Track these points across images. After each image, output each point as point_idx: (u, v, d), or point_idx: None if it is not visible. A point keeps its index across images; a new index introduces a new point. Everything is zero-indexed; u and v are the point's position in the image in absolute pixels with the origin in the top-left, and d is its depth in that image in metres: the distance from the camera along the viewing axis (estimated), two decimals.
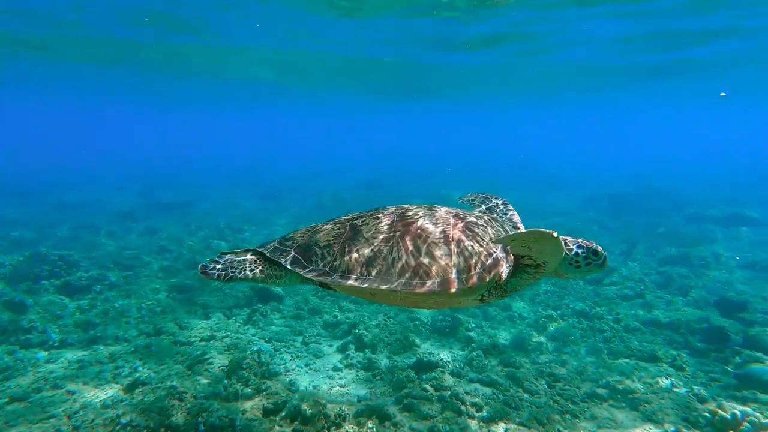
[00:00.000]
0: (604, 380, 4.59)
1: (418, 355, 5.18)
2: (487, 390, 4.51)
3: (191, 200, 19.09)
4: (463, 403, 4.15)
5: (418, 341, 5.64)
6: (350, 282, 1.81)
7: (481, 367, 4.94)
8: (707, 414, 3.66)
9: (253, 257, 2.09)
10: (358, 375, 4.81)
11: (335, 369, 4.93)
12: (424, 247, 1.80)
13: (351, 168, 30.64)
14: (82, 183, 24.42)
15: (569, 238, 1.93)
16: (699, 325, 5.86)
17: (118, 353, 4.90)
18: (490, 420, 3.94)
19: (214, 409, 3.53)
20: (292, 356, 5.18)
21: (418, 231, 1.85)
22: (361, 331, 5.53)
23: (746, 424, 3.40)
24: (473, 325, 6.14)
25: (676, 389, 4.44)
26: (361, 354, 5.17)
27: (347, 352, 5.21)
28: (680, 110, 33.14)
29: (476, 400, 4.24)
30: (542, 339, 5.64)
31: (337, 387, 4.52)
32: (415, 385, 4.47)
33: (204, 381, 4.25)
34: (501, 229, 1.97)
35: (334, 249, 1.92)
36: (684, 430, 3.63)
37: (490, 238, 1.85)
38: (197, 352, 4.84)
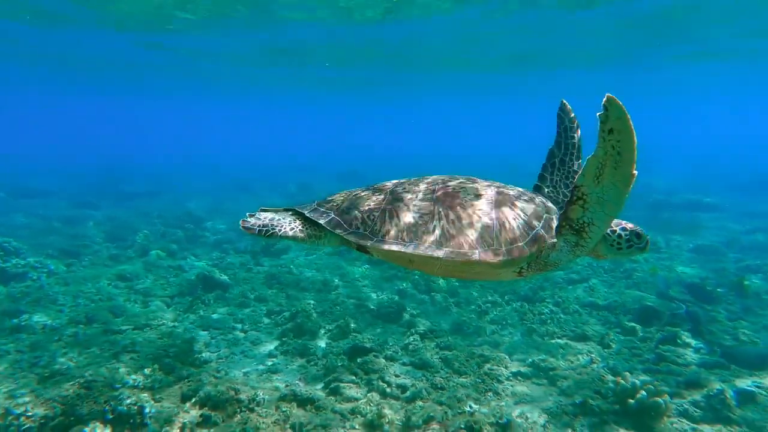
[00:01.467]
0: (530, 359, 4.73)
1: (357, 341, 5.21)
2: (418, 372, 4.59)
3: (159, 190, 18.71)
4: (389, 385, 4.21)
5: (360, 327, 5.66)
6: (390, 246, 1.83)
7: (417, 350, 5.00)
8: (612, 385, 3.82)
9: (293, 217, 2.12)
10: (292, 361, 4.80)
11: (270, 355, 4.91)
12: (467, 216, 1.82)
13: (327, 160, 30.39)
14: (51, 171, 23.58)
15: (613, 221, 1.88)
16: (633, 306, 6.10)
17: (41, 342, 4.73)
18: (412, 400, 4.01)
19: (124, 397, 3.44)
20: (228, 343, 5.12)
21: (461, 201, 1.86)
22: (302, 319, 5.50)
23: (642, 392, 3.57)
24: (418, 311, 6.21)
25: (594, 364, 4.62)
26: (299, 341, 5.16)
27: (284, 338, 5.18)
28: (651, 102, 33.95)
29: (404, 381, 4.30)
30: (482, 323, 5.75)
31: (268, 373, 4.50)
32: (346, 369, 4.50)
33: (124, 370, 4.15)
34: (542, 205, 1.92)
35: (375, 214, 1.94)
36: (590, 400, 3.78)
37: (532, 212, 1.86)
38: (126, 341, 4.71)
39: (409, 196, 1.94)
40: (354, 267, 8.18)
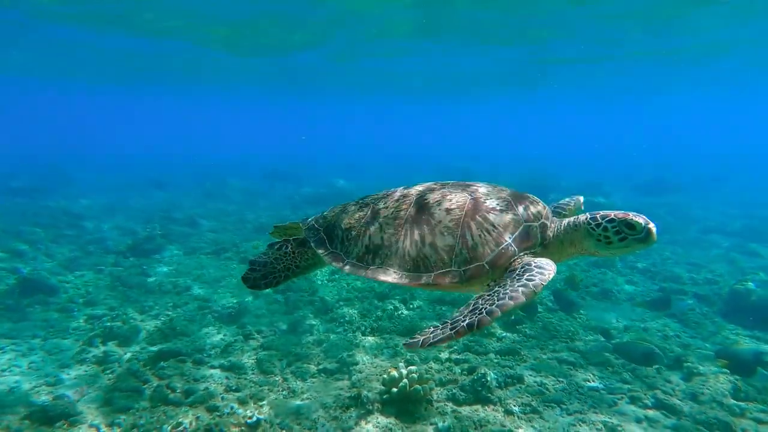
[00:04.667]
0: (340, 356, 4.83)
1: (174, 345, 4.98)
2: (222, 374, 4.47)
3: (52, 186, 16.87)
4: (173, 390, 4.04)
5: (190, 330, 5.43)
6: (355, 270, 1.88)
7: (233, 351, 4.90)
8: (393, 374, 3.95)
9: (286, 250, 2.18)
10: (86, 371, 4.45)
11: (63, 366, 4.51)
12: (430, 236, 1.78)
13: (253, 160, 29.54)
14: None
15: (600, 212, 1.70)
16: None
17: None
18: (192, 404, 3.88)
19: None
20: (16, 354, 4.62)
21: (429, 219, 1.82)
22: (118, 323, 5.14)
23: (404, 380, 3.80)
24: (264, 311, 6.11)
25: (397, 357, 4.83)
26: (103, 347, 4.81)
27: (85, 346, 4.80)
28: (569, 107, 37.28)
29: (194, 386, 4.16)
30: (315, 321, 5.79)
31: (44, 386, 4.12)
32: (136, 376, 4.25)
33: None
34: (524, 213, 1.79)
35: (353, 233, 1.97)
36: (364, 391, 3.93)
37: (506, 224, 1.74)
38: None
39: (385, 213, 1.94)
40: (220, 270, 7.89)
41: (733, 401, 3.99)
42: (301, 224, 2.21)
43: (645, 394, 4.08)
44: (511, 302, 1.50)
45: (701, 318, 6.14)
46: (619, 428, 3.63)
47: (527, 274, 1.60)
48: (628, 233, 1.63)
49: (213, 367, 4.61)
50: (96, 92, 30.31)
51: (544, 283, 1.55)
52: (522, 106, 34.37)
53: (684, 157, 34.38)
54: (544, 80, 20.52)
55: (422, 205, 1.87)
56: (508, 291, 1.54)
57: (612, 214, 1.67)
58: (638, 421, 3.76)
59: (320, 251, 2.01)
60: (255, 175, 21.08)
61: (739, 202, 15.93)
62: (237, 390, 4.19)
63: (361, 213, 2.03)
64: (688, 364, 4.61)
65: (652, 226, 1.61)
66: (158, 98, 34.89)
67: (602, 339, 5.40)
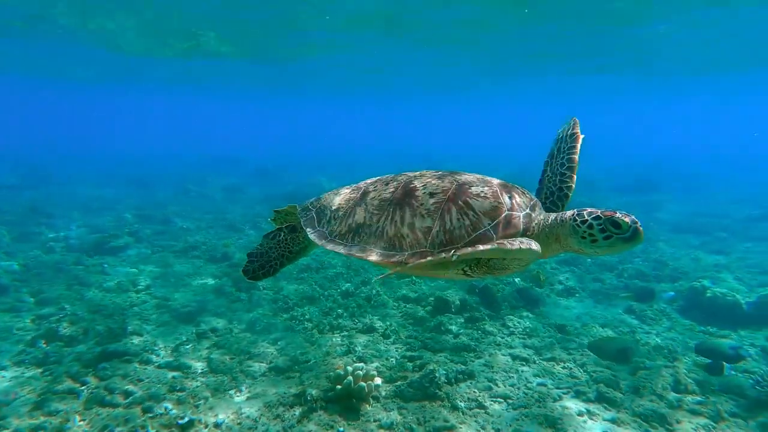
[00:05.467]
0: (293, 354, 4.75)
1: (126, 345, 4.84)
2: (168, 375, 4.37)
3: (30, 184, 16.45)
4: (111, 392, 3.93)
5: (143, 329, 5.29)
6: (332, 247, 1.91)
7: (184, 351, 4.79)
8: (339, 371, 3.90)
9: (279, 238, 2.30)
10: (24, 373, 4.30)
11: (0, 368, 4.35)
12: (410, 218, 1.79)
13: (243, 158, 29.27)
14: None
15: (588, 209, 1.65)
16: (431, 297, 6.51)
17: None
18: (128, 405, 3.77)
19: None
20: None
21: (412, 202, 1.82)
22: (62, 323, 4.99)
23: (349, 377, 3.75)
24: (223, 309, 6.00)
25: (350, 354, 4.80)
26: (46, 348, 4.65)
27: (26, 347, 4.64)
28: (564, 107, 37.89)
29: (131, 387, 4.05)
30: (275, 320, 5.71)
31: None
32: (74, 377, 4.12)
33: None
34: (508, 202, 1.75)
35: (340, 213, 2.02)
36: (308, 389, 3.88)
37: (486, 210, 1.72)
38: None
39: (373, 195, 1.96)
40: (185, 268, 7.74)
41: (673, 394, 4.05)
42: (297, 207, 2.29)
43: (589, 388, 4.12)
44: (488, 246, 1.52)
45: (659, 314, 6.25)
46: (560, 422, 3.65)
47: (511, 239, 1.64)
48: (613, 232, 1.58)
49: (160, 366, 4.50)
50: (85, 90, 29.62)
51: (523, 247, 1.53)
52: (514, 104, 34.70)
53: (667, 157, 35.11)
54: (531, 79, 20.67)
55: (408, 189, 1.88)
56: (489, 243, 1.61)
57: (599, 211, 1.63)
58: (579, 414, 3.78)
59: (308, 230, 2.07)
60: (241, 174, 20.87)
61: (715, 201, 16.32)
62: (181, 390, 4.09)
63: (352, 195, 2.07)
64: (636, 358, 4.68)
65: (639, 225, 1.56)
66: (150, 96, 34.28)
67: (559, 335, 5.44)
